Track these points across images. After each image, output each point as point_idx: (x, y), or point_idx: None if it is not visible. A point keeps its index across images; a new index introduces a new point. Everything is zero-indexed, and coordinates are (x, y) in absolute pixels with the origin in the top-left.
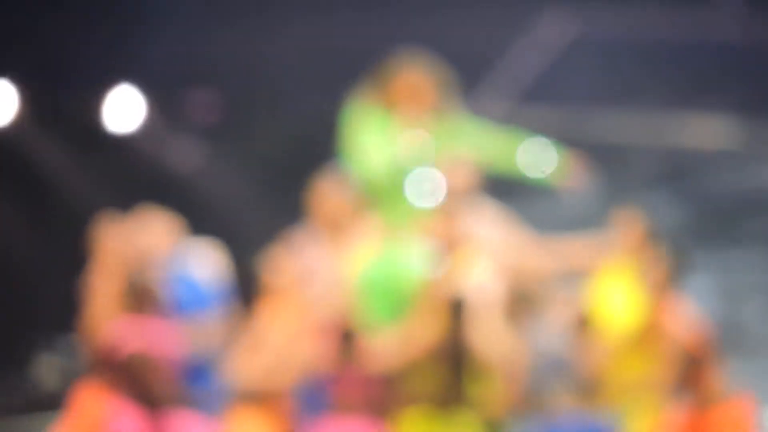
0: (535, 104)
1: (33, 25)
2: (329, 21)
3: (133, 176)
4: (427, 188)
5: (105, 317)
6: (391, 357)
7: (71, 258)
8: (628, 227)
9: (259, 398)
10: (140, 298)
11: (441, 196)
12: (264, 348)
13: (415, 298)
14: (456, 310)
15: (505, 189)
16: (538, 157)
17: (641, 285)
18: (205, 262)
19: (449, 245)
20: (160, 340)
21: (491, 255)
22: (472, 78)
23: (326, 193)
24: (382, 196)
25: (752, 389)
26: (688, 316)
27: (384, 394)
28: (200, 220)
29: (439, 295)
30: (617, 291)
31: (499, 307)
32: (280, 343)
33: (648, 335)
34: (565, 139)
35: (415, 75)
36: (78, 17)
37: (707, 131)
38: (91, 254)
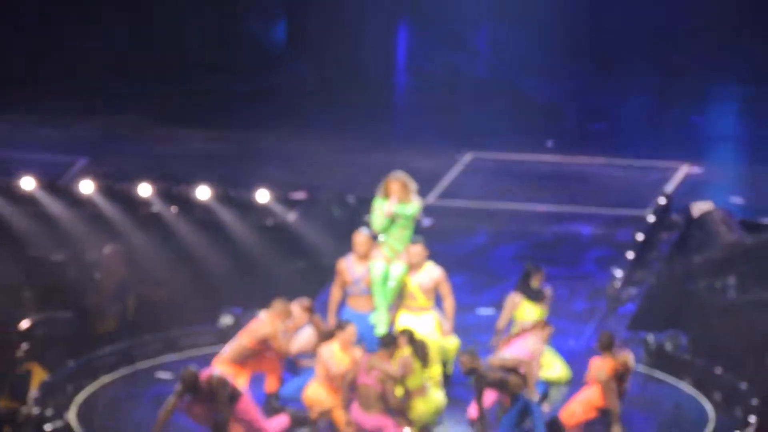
0: (454, 198)
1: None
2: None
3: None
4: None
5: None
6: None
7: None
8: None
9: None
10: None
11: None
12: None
13: (396, 286)
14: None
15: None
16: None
17: None
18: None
19: (414, 261)
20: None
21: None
22: (424, 185)
23: (359, 237)
24: (385, 236)
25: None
26: None
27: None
28: (299, 251)
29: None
30: None
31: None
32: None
33: None
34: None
35: (397, 181)
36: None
37: (542, 209)
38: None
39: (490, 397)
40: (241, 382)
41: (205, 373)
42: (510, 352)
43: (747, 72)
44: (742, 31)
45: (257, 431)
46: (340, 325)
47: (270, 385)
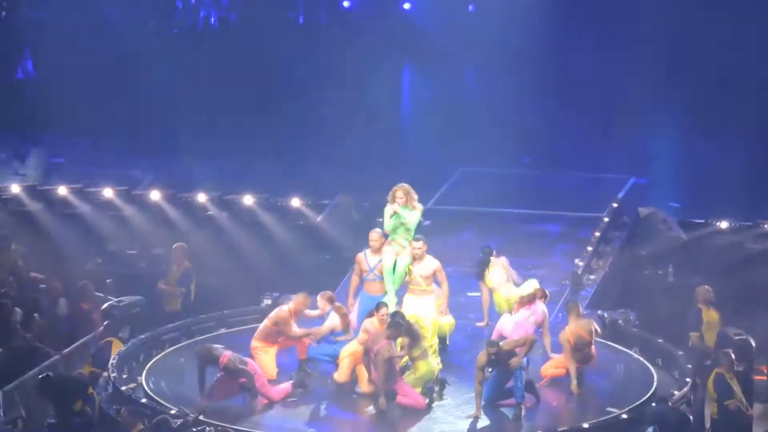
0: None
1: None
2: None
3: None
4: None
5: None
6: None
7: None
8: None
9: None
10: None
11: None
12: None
13: (402, 274)
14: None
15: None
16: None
17: None
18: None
19: (417, 254)
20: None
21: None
22: (424, 193)
23: (373, 235)
24: (391, 234)
25: None
26: None
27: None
28: (325, 245)
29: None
30: None
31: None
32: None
33: None
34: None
35: (401, 189)
36: None
37: (518, 212)
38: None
39: None
40: (271, 353)
41: (224, 356)
42: (518, 328)
43: (681, 103)
44: (675, 72)
45: (263, 395)
46: (378, 307)
47: (301, 353)
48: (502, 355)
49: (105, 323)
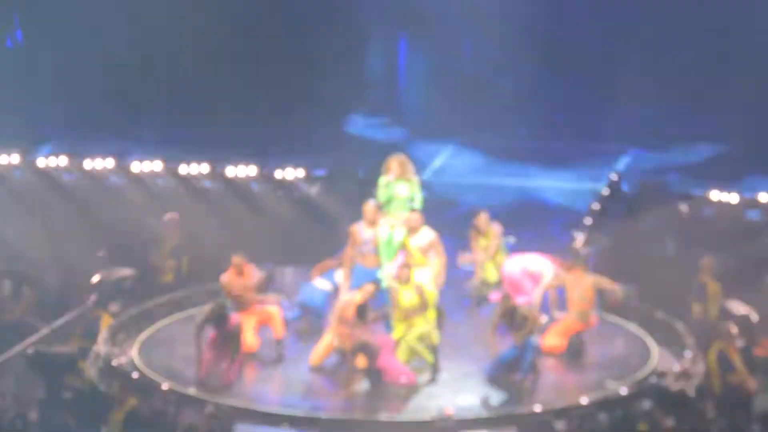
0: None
1: None
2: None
3: (294, 198)
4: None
5: None
6: None
7: None
8: None
9: None
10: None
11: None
12: None
13: (398, 247)
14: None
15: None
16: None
17: None
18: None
19: (412, 226)
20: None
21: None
22: (420, 165)
23: (368, 207)
24: (386, 206)
25: None
26: None
27: None
28: (319, 217)
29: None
30: None
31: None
32: None
33: None
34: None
35: (395, 160)
36: None
37: (515, 183)
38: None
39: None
40: (248, 327)
41: (234, 317)
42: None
43: (682, 71)
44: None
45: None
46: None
47: (276, 332)
48: (515, 314)
49: (95, 296)
